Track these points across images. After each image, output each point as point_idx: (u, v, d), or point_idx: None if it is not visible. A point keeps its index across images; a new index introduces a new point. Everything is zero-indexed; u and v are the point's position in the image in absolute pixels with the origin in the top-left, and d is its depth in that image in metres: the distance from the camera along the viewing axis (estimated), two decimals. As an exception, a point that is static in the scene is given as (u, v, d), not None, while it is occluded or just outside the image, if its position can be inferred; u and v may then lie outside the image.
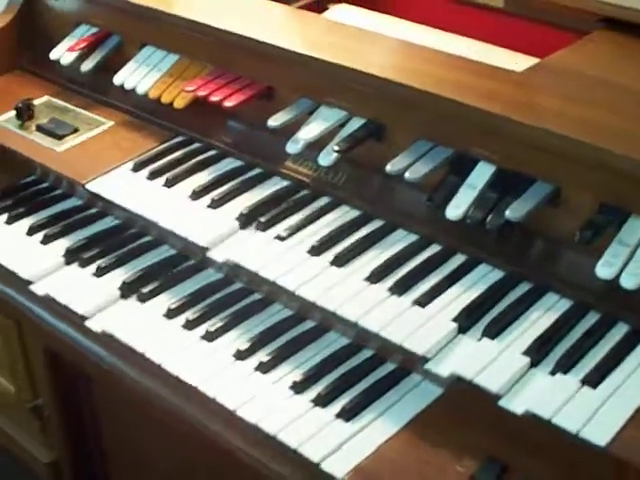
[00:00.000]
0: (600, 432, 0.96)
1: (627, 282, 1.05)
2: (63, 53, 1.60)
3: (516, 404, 1.00)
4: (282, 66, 1.36)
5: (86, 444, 2.26)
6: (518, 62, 1.35)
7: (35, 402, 2.28)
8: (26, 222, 1.44)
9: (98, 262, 1.34)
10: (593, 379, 1.02)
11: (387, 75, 1.26)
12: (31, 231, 1.42)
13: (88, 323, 1.25)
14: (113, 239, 1.39)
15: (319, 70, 1.32)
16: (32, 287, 1.32)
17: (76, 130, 1.51)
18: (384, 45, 1.39)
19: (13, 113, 1.57)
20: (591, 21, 1.40)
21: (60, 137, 1.50)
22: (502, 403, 1.01)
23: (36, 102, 1.59)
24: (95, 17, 1.61)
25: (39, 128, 1.53)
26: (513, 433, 1.03)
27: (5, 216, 1.45)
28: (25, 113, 1.55)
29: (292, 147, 1.31)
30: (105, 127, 1.52)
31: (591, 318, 1.10)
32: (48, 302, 1.30)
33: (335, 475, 1.01)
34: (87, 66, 1.57)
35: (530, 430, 1.02)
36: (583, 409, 0.98)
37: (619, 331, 1.08)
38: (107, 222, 1.43)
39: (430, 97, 1.22)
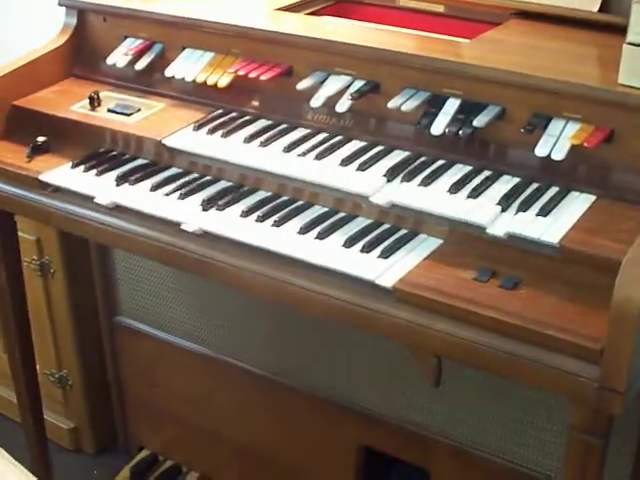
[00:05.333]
0: (552, 236, 1.54)
1: (556, 155, 1.64)
2: (118, 58, 2.12)
3: (497, 231, 1.57)
4: (299, 49, 1.92)
5: (108, 407, 2.70)
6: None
7: (60, 373, 2.72)
8: (112, 174, 1.93)
9: (178, 192, 1.85)
10: (543, 213, 1.59)
11: (378, 45, 1.85)
12: (118, 179, 1.91)
13: (184, 227, 1.76)
14: (184, 179, 1.90)
15: (328, 48, 1.89)
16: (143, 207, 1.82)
17: (139, 110, 2.03)
18: (367, 29, 2.00)
19: (84, 102, 2.07)
20: (506, 15, 2.03)
21: (128, 114, 2.01)
22: (489, 231, 1.58)
23: (99, 95, 2.10)
24: (140, 30, 2.13)
25: (109, 110, 2.04)
26: (493, 255, 1.60)
27: (94, 171, 1.94)
28: (96, 101, 2.05)
29: (315, 102, 1.86)
30: (160, 107, 2.04)
31: (534, 185, 1.69)
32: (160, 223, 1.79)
33: (386, 285, 1.55)
34: (140, 65, 2.09)
35: (503, 251, 1.59)
36: (540, 226, 1.56)
37: (553, 190, 1.66)
38: (173, 170, 1.94)
39: (411, 57, 1.80)
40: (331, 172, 1.76)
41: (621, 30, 1.69)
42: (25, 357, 2.33)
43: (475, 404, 2.01)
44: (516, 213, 1.61)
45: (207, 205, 1.79)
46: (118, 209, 1.85)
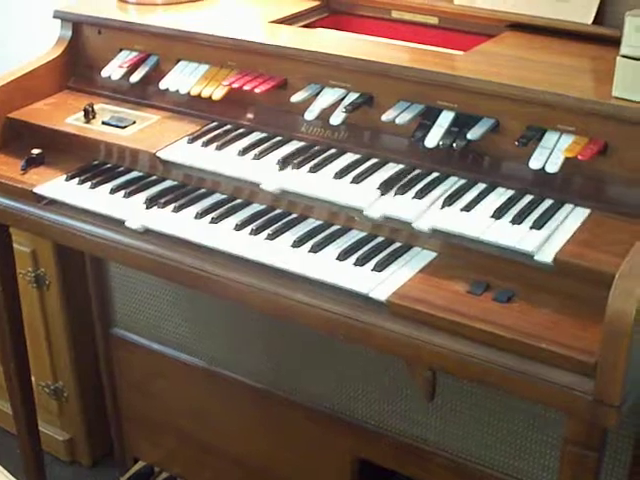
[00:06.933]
0: (546, 255, 1.53)
1: (550, 168, 1.64)
2: (113, 71, 2.12)
3: (491, 244, 1.57)
4: (294, 62, 1.92)
5: (104, 419, 2.69)
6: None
7: (55, 385, 2.71)
8: (106, 187, 1.93)
9: (173, 204, 1.85)
10: (537, 226, 1.58)
11: (372, 58, 1.85)
12: (112, 191, 1.91)
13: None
14: (179, 192, 1.90)
15: (322, 61, 1.89)
16: (129, 224, 1.82)
17: (134, 122, 2.03)
18: (361, 42, 2.01)
19: (78, 115, 2.07)
20: (501, 27, 2.03)
21: (123, 127, 2.01)
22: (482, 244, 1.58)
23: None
24: (135, 43, 2.13)
25: (104, 123, 2.03)
26: (487, 268, 1.60)
27: (88, 184, 1.94)
28: (90, 113, 2.05)
29: (309, 115, 1.86)
30: (155, 119, 2.04)
31: (528, 198, 1.69)
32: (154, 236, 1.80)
33: (380, 298, 1.55)
34: (135, 78, 2.08)
35: (497, 264, 1.59)
36: (534, 241, 1.56)
37: (547, 203, 1.66)
38: (168, 183, 1.94)
39: (405, 70, 1.80)
40: (325, 185, 1.76)
41: (615, 42, 1.69)
42: (20, 369, 2.32)
43: (471, 417, 2.01)
44: (510, 226, 1.60)
45: (201, 218, 1.79)
46: (112, 222, 1.85)
